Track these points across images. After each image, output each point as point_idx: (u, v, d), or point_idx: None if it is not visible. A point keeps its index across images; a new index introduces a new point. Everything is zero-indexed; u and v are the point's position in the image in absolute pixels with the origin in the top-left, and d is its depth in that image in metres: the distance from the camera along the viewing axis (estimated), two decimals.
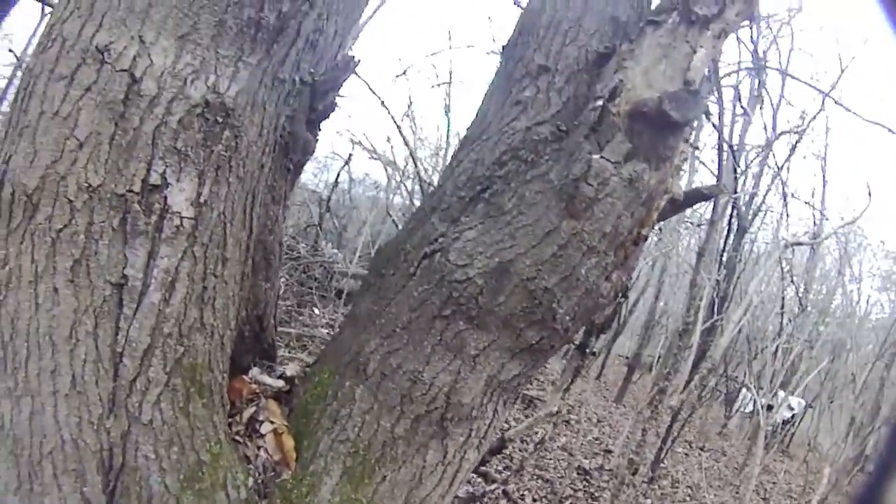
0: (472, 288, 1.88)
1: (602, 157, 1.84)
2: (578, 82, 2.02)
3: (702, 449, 15.71)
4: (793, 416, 20.83)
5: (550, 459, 9.77)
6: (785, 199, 12.93)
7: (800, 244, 11.77)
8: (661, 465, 11.57)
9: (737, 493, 13.72)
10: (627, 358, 20.90)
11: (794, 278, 15.47)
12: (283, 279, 10.70)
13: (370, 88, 9.13)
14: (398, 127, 10.19)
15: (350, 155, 13.80)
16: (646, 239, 2.04)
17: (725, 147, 9.15)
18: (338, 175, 14.64)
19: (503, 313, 1.88)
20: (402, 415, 1.96)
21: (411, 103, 12.01)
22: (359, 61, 2.36)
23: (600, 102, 1.87)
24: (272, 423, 2.20)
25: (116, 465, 1.80)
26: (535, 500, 8.16)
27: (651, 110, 1.80)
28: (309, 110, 2.29)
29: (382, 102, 9.32)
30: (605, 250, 1.87)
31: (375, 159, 13.70)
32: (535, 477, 8.69)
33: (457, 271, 1.91)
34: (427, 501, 2.04)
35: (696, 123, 5.19)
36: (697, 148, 11.20)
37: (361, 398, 2.01)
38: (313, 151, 2.52)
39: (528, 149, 1.96)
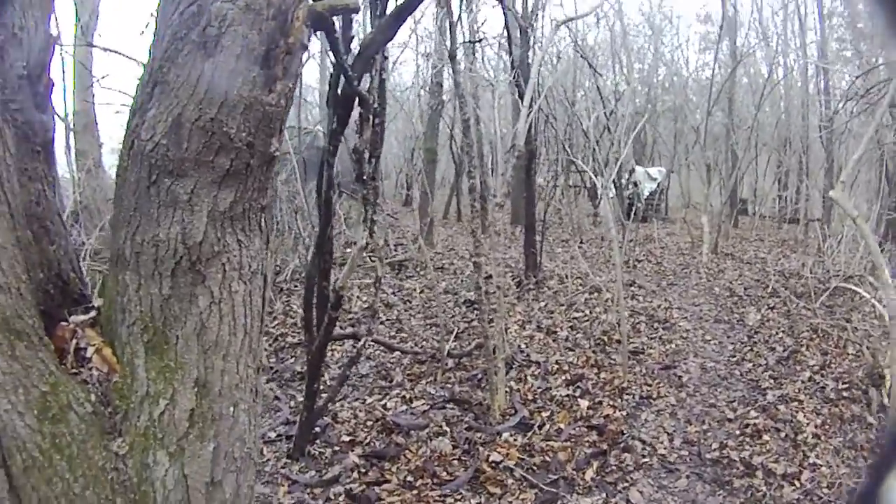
0: (161, 149, 2.19)
1: (219, 2, 2.17)
2: None
3: (580, 242, 16.56)
4: (658, 185, 22.19)
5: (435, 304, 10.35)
6: None
7: (571, 19, 12.19)
8: (541, 269, 12.29)
9: (630, 263, 14.67)
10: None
11: (592, 59, 16.13)
12: None
13: (126, 56, 9.01)
14: None
15: None
16: (304, 46, 2.37)
17: None
18: None
19: (192, 155, 2.20)
20: (161, 277, 2.26)
21: None
22: (58, 35, 2.62)
23: None
24: (92, 344, 2.54)
25: None
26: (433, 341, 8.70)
27: None
28: (33, 96, 2.56)
29: (140, 63, 9.27)
30: (248, 67, 2.20)
31: None
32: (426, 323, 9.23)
33: (147, 143, 2.21)
34: (220, 342, 2.35)
35: None
36: None
37: (130, 280, 2.30)
38: (53, 129, 2.80)
39: (181, 29, 2.25)
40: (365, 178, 4.22)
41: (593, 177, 10.39)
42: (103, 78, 10.84)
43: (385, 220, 15.09)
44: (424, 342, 8.89)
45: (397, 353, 8.35)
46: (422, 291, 10.48)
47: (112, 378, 2.41)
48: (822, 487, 5.63)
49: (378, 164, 4.52)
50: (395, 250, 13.72)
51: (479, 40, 10.58)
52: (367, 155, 4.18)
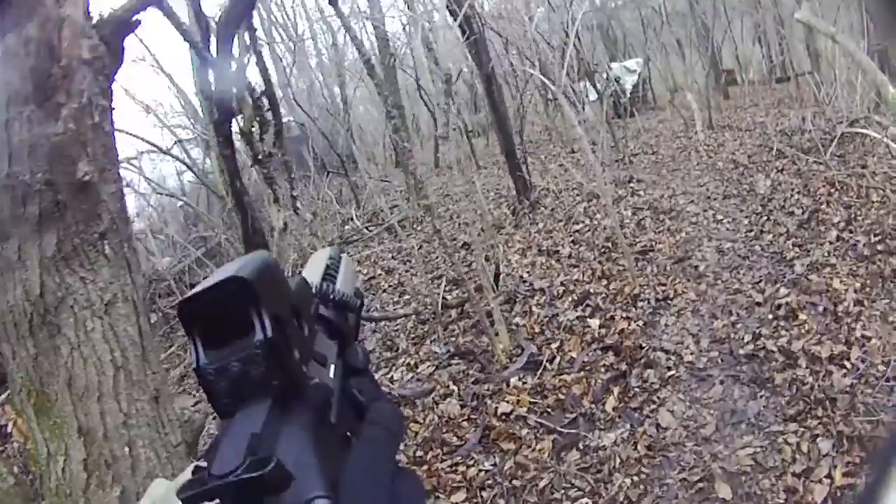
0: None
1: None
2: None
3: (572, 151, 16.08)
4: (639, 76, 21.72)
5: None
6: None
7: None
8: (533, 189, 11.95)
9: (625, 160, 14.31)
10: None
11: None
12: None
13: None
14: None
15: None
16: (87, 61, 2.31)
17: None
18: None
19: (6, 216, 2.20)
20: (24, 339, 2.28)
21: None
22: None
23: None
24: (10, 419, 2.60)
25: None
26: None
27: None
28: None
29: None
30: (19, 110, 2.17)
31: None
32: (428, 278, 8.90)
33: None
34: (90, 385, 2.30)
35: None
36: None
37: (7, 351, 2.34)
38: None
39: None
40: (260, 157, 3.94)
41: (552, 86, 9.87)
42: None
43: (375, 185, 14.84)
44: (427, 298, 8.44)
45: (401, 319, 8.13)
46: (420, 248, 10.21)
47: (28, 446, 2.48)
48: (875, 367, 4.96)
49: (281, 138, 4.25)
50: (391, 213, 13.46)
51: None
52: (256, 135, 3.89)
